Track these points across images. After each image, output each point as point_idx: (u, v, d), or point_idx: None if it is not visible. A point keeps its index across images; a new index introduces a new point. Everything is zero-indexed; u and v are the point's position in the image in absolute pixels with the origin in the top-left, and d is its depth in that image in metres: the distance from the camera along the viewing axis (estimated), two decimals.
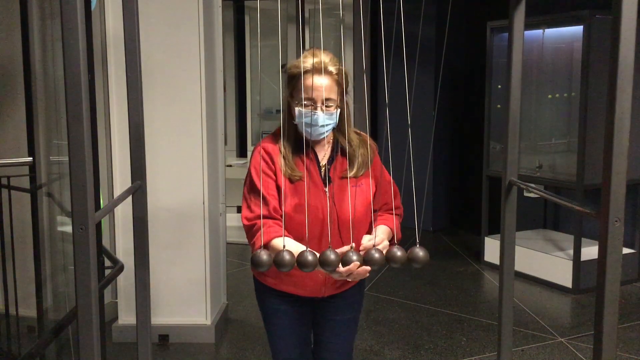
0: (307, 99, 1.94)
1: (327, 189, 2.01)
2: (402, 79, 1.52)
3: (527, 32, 4.54)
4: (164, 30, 3.49)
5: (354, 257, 1.38)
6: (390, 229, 2.04)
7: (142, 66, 1.79)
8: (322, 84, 1.93)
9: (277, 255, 1.32)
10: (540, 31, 4.89)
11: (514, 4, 1.81)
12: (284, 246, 1.42)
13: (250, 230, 1.95)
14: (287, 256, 1.33)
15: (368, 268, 1.79)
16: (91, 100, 2.18)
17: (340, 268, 1.72)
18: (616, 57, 1.16)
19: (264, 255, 1.33)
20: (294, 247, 1.85)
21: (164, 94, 3.54)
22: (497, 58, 5.17)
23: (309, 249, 1.37)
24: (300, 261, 1.33)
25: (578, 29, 4.54)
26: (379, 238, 1.90)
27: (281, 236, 1.89)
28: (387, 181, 2.12)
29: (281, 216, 1.97)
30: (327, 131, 2.00)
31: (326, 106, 1.95)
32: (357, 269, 1.75)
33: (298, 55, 2.21)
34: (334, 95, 1.96)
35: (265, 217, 1.94)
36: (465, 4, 6.18)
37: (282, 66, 2.08)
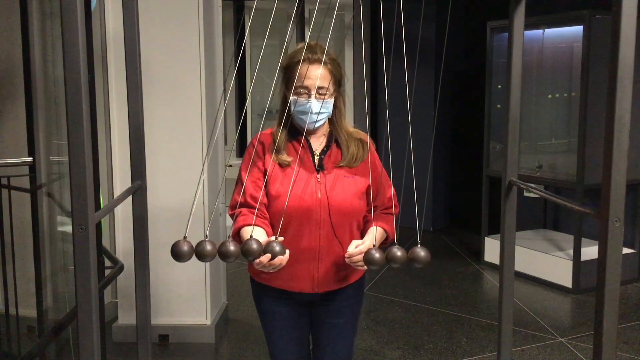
0: (300, 87, 1.97)
1: (318, 176, 2.02)
2: (402, 78, 1.52)
3: (527, 32, 4.54)
4: (164, 30, 3.49)
5: (277, 248, 1.32)
6: (385, 229, 2.05)
7: (142, 66, 1.79)
8: (316, 72, 1.95)
9: (197, 246, 1.28)
10: (540, 31, 4.89)
11: (514, 4, 1.82)
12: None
13: (232, 218, 2.01)
14: (208, 246, 1.27)
15: (285, 257, 1.78)
16: (91, 100, 2.18)
17: (262, 258, 1.72)
18: (616, 57, 1.16)
19: (184, 246, 1.29)
20: (245, 236, 1.86)
21: (164, 94, 3.54)
22: (497, 58, 5.17)
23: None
24: (221, 252, 1.28)
25: (578, 29, 4.54)
26: (364, 245, 1.89)
27: (250, 225, 1.91)
28: (385, 180, 2.12)
29: (263, 204, 2.00)
30: (321, 119, 2.01)
31: (321, 94, 1.97)
32: (267, 261, 1.75)
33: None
34: (327, 84, 1.98)
35: (241, 205, 1.98)
36: (465, 4, 6.18)
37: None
